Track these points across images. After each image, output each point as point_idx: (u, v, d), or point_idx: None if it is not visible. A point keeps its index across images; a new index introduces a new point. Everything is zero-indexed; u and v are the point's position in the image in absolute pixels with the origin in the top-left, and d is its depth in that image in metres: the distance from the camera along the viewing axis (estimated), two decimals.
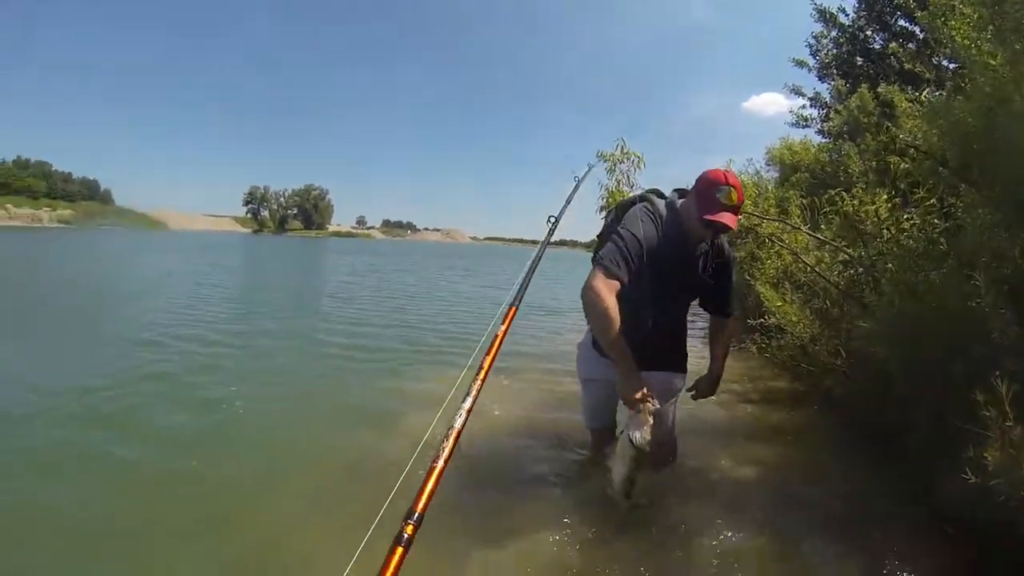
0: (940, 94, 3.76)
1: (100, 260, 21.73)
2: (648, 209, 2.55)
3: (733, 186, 2.35)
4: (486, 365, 1.81)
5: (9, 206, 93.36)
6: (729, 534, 2.48)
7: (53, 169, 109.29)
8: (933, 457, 2.71)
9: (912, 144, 3.34)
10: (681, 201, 2.54)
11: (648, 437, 2.15)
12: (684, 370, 2.80)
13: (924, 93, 4.43)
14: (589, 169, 3.77)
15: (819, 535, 2.48)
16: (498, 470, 3.09)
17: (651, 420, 2.18)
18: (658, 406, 2.22)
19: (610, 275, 2.30)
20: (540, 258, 2.86)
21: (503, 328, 2.11)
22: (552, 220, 3.27)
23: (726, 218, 2.32)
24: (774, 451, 3.45)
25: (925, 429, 2.83)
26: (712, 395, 2.86)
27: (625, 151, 5.30)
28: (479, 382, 1.61)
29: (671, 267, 2.48)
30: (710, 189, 2.35)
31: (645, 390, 2.22)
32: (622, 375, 2.31)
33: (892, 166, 3.84)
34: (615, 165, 5.12)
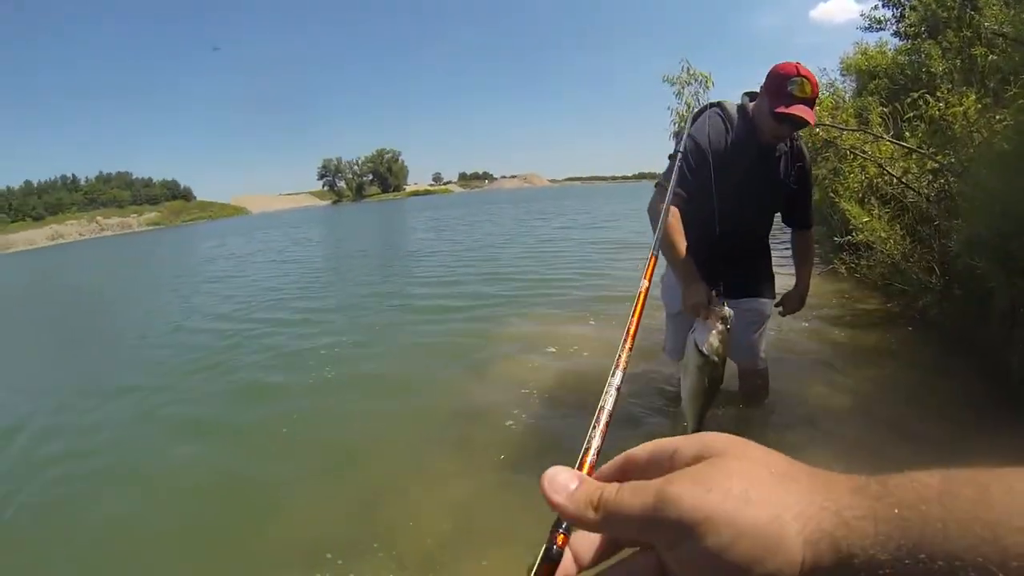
0: None
1: (184, 252, 23.24)
2: (718, 113, 2.47)
3: (806, 77, 2.21)
4: (632, 330, 1.89)
5: (99, 218, 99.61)
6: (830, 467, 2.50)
7: (134, 177, 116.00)
8: None
9: (1000, 33, 3.07)
10: (752, 103, 2.42)
11: (717, 344, 1.92)
12: (771, 295, 2.74)
13: None
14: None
15: (913, 463, 2.45)
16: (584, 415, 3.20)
17: (720, 327, 1.94)
18: (729, 312, 1.97)
19: (672, 191, 2.28)
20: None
21: (644, 286, 2.15)
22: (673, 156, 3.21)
23: (801, 110, 2.19)
24: (870, 376, 3.39)
25: None
26: (799, 310, 2.81)
27: (691, 72, 5.15)
28: (626, 351, 1.68)
29: (745, 173, 2.39)
30: (781, 82, 2.23)
31: (713, 293, 2.05)
32: (683, 281, 2.23)
33: (979, 60, 3.56)
34: (683, 87, 5.00)
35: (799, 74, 2.20)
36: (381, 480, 2.78)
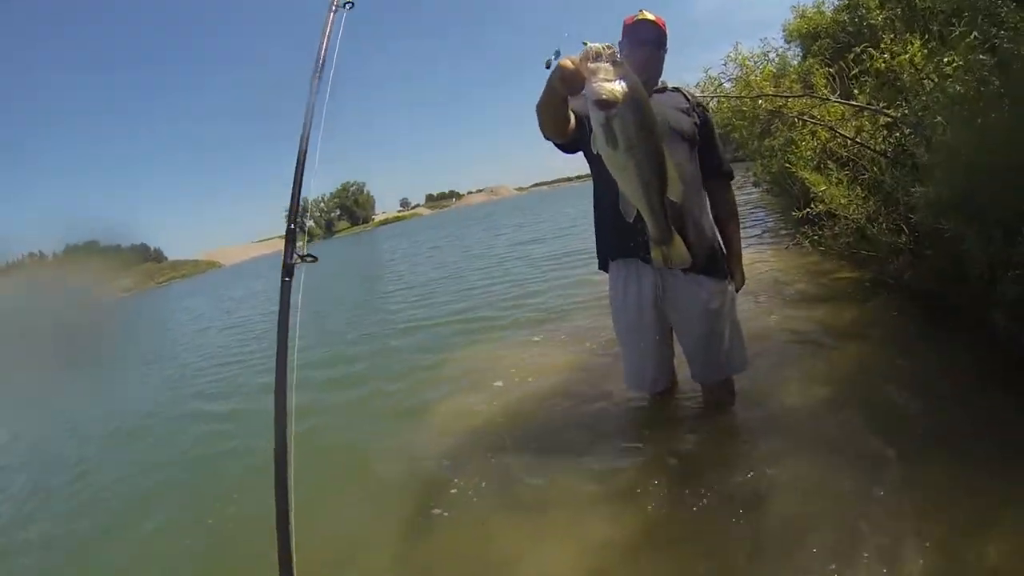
0: None
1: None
2: None
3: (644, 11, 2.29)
4: None
5: None
6: (809, 479, 2.14)
7: (101, 247, 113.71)
8: None
9: None
10: None
11: (611, 86, 1.47)
12: (720, 272, 2.42)
13: None
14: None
15: (910, 454, 2.12)
16: (538, 447, 2.83)
17: (605, 64, 1.50)
18: (611, 48, 1.54)
19: None
20: None
21: None
22: None
23: (643, 16, 2.26)
24: (848, 358, 3.09)
25: (1013, 300, 2.46)
26: (741, 284, 2.56)
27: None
28: None
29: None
30: (626, 24, 2.31)
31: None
32: (548, 82, 1.79)
33: (918, 4, 3.32)
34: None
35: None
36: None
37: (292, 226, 1.84)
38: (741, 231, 2.63)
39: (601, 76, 1.49)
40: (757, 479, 2.17)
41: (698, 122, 2.41)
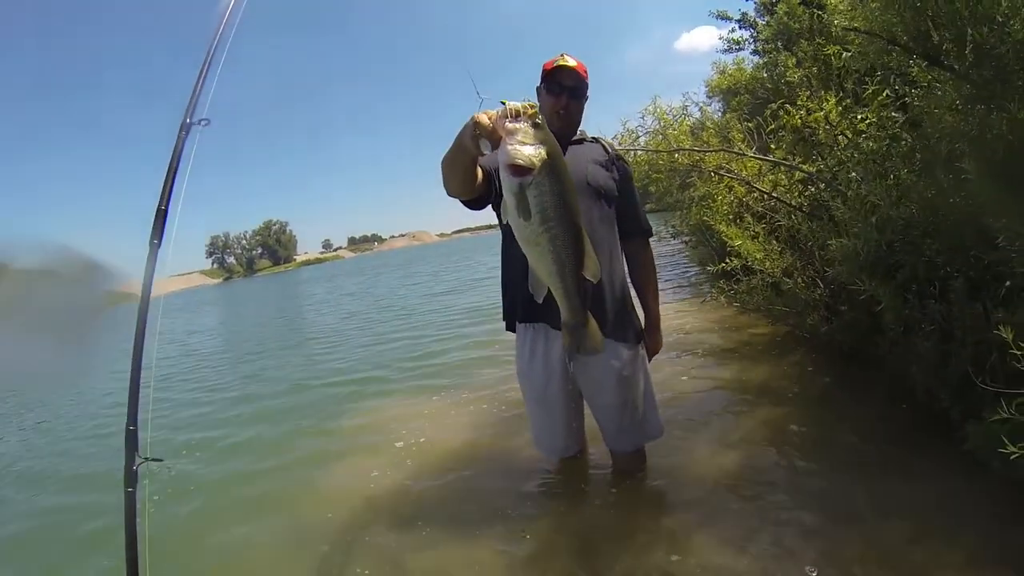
0: None
1: None
2: None
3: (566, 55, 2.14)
4: None
5: None
6: (714, 561, 1.90)
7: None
8: (942, 391, 2.26)
9: (852, 28, 2.84)
10: None
11: (529, 151, 1.34)
12: (630, 338, 2.22)
13: None
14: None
15: (827, 527, 1.94)
16: (436, 522, 2.47)
17: (523, 124, 1.36)
18: (533, 108, 1.40)
19: None
20: None
21: None
22: None
23: (563, 62, 2.10)
24: (764, 420, 2.91)
25: (930, 356, 2.36)
26: (658, 349, 2.38)
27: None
28: None
29: None
30: (545, 69, 2.16)
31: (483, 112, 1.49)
32: (458, 136, 1.63)
33: (833, 61, 3.34)
34: None
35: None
36: None
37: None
38: (659, 283, 2.43)
39: (519, 138, 1.35)
40: (662, 560, 1.90)
41: (616, 177, 2.23)
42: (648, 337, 2.31)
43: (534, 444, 2.49)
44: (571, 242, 1.43)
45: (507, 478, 2.70)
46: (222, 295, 42.49)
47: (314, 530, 2.51)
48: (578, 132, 2.28)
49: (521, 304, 2.18)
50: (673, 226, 8.37)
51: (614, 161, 2.25)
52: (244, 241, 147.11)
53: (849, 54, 3.21)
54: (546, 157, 1.35)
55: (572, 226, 1.42)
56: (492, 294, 9.33)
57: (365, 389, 4.90)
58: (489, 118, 1.44)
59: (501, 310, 2.33)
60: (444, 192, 1.90)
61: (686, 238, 8.22)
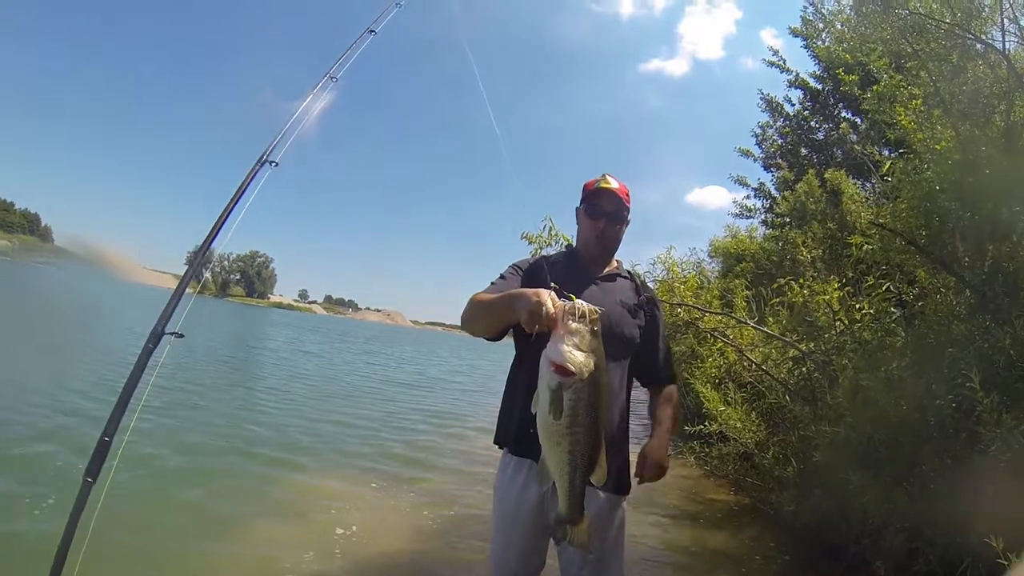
0: (888, 180, 3.47)
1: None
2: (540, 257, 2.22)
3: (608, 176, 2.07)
4: None
5: None
6: None
7: None
8: None
9: (878, 223, 2.95)
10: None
11: (581, 353, 1.35)
12: (624, 489, 2.03)
13: (881, 174, 4.17)
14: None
15: None
16: None
17: (582, 327, 1.39)
18: (588, 306, 1.42)
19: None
20: None
21: None
22: None
23: (606, 184, 2.01)
24: None
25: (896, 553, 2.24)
26: (661, 475, 1.96)
27: (553, 232, 4.77)
28: None
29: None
30: (586, 189, 2.07)
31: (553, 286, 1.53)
32: (509, 300, 1.63)
33: (855, 251, 3.43)
34: (540, 248, 4.53)
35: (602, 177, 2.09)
36: None
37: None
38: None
39: (576, 341, 1.37)
40: None
41: (641, 324, 2.05)
42: (656, 458, 1.96)
43: (490, 559, 2.28)
44: (590, 449, 1.44)
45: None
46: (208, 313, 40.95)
47: None
48: (613, 261, 2.19)
49: (514, 433, 2.07)
50: None
51: (643, 306, 2.08)
52: (226, 262, 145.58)
53: (870, 247, 3.26)
54: (593, 369, 1.37)
55: (596, 435, 1.44)
56: (449, 401, 9.08)
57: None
58: (554, 307, 1.44)
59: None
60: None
61: None
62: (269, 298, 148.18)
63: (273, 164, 1.81)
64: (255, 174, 1.78)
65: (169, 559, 2.74)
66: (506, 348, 1.99)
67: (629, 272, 2.18)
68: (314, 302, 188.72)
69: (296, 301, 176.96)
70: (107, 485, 1.43)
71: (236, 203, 1.75)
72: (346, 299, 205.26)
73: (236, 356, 13.90)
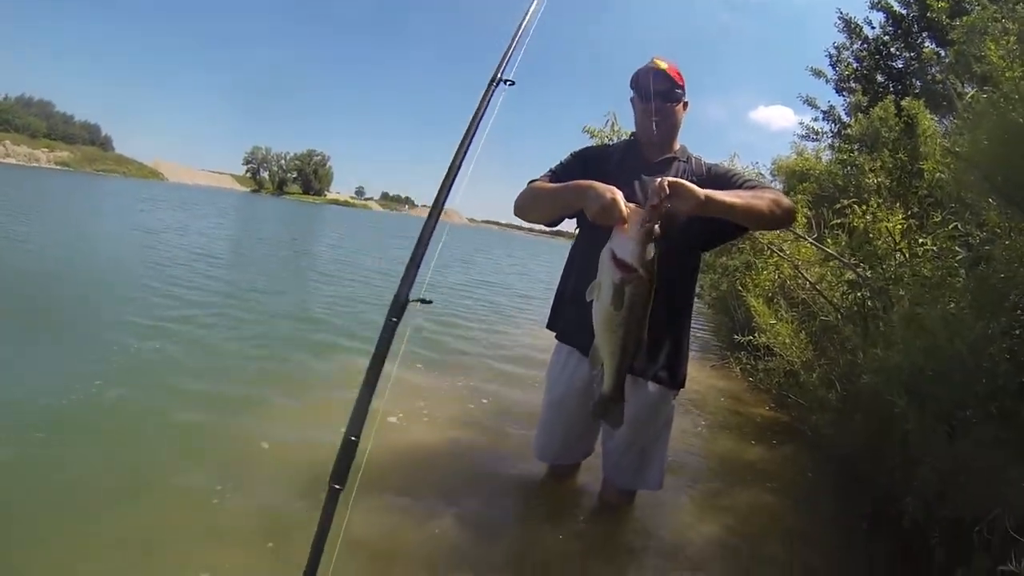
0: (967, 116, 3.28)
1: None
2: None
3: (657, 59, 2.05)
4: None
5: (7, 142, 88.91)
6: None
7: (55, 110, 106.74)
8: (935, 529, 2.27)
9: (953, 151, 2.85)
10: None
11: (647, 251, 1.43)
12: (676, 383, 2.20)
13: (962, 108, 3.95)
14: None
15: None
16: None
17: (649, 226, 1.43)
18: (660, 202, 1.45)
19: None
20: None
21: None
22: None
23: (654, 65, 2.01)
24: (747, 498, 2.92)
25: (928, 490, 2.37)
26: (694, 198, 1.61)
27: (616, 128, 4.74)
28: None
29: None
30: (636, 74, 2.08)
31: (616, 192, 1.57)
32: (576, 192, 1.71)
33: (925, 172, 3.33)
34: (603, 142, 4.48)
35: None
36: None
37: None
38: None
39: (641, 240, 1.45)
40: None
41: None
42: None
43: (533, 444, 2.55)
44: (639, 336, 1.55)
45: (491, 478, 2.70)
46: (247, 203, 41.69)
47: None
48: (676, 144, 2.16)
49: (570, 327, 2.23)
50: (700, 286, 8.42)
51: (704, 185, 1.72)
52: (283, 161, 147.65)
53: (942, 175, 3.17)
54: (655, 265, 1.46)
55: (645, 323, 1.54)
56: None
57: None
58: (627, 209, 1.51)
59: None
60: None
61: (709, 300, 8.24)
62: (326, 195, 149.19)
63: (508, 83, 1.71)
64: (491, 94, 1.70)
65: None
66: None
67: (688, 156, 2.14)
68: (370, 198, 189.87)
69: (353, 198, 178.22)
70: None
71: (476, 127, 1.64)
72: (403, 196, 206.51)
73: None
